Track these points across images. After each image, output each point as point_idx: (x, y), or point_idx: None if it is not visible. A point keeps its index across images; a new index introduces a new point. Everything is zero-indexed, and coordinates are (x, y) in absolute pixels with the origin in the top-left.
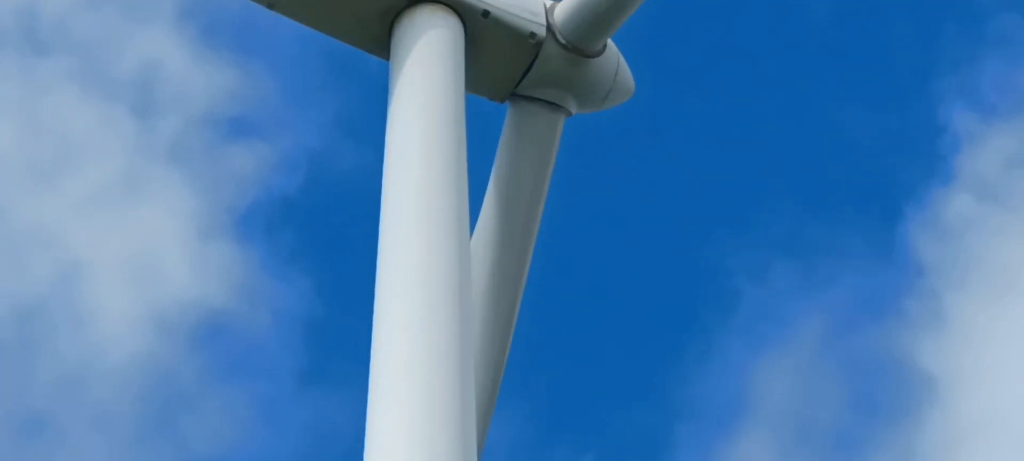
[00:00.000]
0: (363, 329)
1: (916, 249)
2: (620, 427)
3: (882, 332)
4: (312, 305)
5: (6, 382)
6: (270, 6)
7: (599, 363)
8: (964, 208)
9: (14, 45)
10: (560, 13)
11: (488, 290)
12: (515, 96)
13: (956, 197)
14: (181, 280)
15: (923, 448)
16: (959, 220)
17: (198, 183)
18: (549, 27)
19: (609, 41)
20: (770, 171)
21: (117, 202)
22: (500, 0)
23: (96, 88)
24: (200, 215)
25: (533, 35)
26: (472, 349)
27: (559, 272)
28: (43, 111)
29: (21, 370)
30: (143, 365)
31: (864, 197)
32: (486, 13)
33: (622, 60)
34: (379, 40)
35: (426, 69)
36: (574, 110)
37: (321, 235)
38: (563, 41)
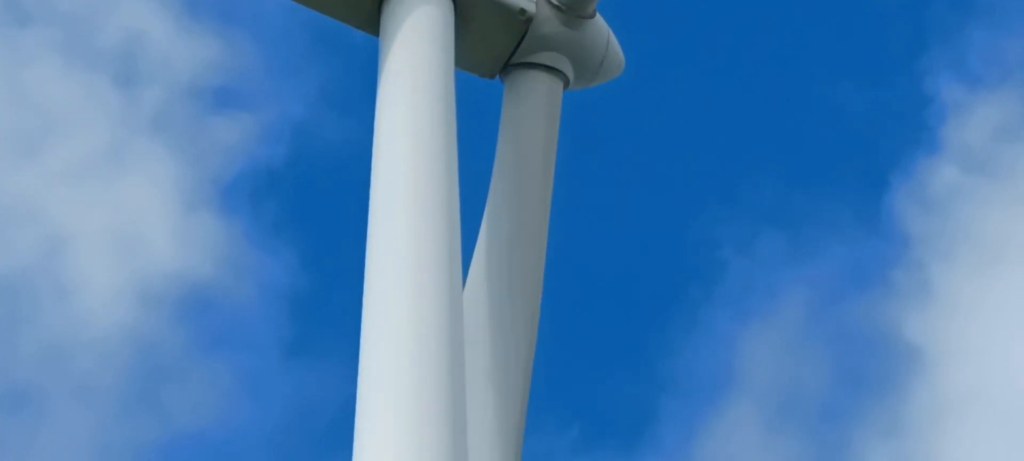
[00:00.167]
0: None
1: (902, 220)
2: (606, 400)
3: (868, 304)
4: (297, 277)
5: None
6: None
7: (584, 336)
8: (951, 179)
9: None
10: None
11: (510, 276)
12: (510, 67)
13: (942, 168)
14: (165, 252)
15: (909, 420)
16: (945, 191)
17: (182, 154)
18: None
19: (598, 14)
20: (756, 142)
21: (100, 174)
22: None
23: (79, 59)
24: (184, 186)
25: (523, 11)
26: (462, 333)
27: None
28: (25, 82)
29: (4, 343)
30: (127, 337)
31: (850, 168)
32: None
33: (612, 35)
34: (368, 17)
35: (416, 46)
36: (571, 76)
37: (306, 207)
38: (556, 2)
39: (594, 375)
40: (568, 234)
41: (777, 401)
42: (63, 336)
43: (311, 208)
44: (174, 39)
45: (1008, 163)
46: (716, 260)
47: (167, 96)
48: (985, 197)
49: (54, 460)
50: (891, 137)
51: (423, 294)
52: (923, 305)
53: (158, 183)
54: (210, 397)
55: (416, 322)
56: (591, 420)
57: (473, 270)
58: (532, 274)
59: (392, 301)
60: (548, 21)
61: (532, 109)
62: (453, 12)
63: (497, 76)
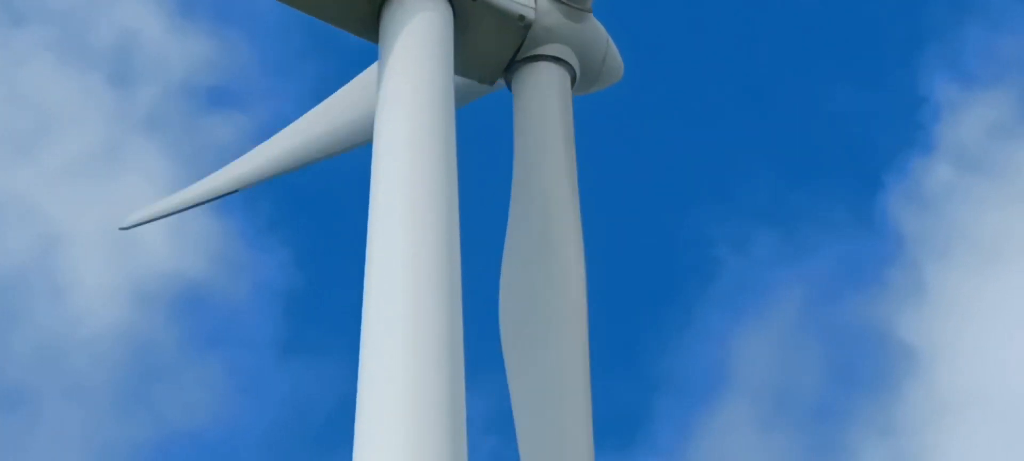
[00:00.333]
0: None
1: (897, 219)
2: (599, 398)
3: (863, 302)
4: (291, 276)
5: None
6: None
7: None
8: (945, 178)
9: None
10: None
11: (549, 272)
12: (515, 65)
13: (937, 166)
14: (159, 251)
15: (904, 419)
16: (940, 190)
17: (176, 153)
18: None
19: (597, 22)
20: (750, 140)
21: (95, 172)
22: None
23: (73, 58)
24: (178, 185)
25: (522, 18)
26: (461, 333)
27: None
28: (20, 81)
29: None
30: (121, 336)
31: (845, 167)
32: None
33: (611, 41)
34: (368, 23)
35: (415, 53)
36: (577, 69)
37: (300, 206)
38: None
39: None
40: None
41: (771, 400)
42: (57, 335)
43: (305, 207)
44: (168, 38)
45: (1003, 162)
46: (710, 259)
47: (161, 95)
48: (980, 196)
49: (49, 459)
50: (886, 136)
51: (423, 297)
52: (917, 304)
53: (152, 181)
54: (204, 395)
55: (416, 325)
56: None
57: (507, 274)
58: (573, 266)
59: (392, 305)
60: (549, 14)
61: (545, 95)
62: (452, 19)
63: (500, 79)
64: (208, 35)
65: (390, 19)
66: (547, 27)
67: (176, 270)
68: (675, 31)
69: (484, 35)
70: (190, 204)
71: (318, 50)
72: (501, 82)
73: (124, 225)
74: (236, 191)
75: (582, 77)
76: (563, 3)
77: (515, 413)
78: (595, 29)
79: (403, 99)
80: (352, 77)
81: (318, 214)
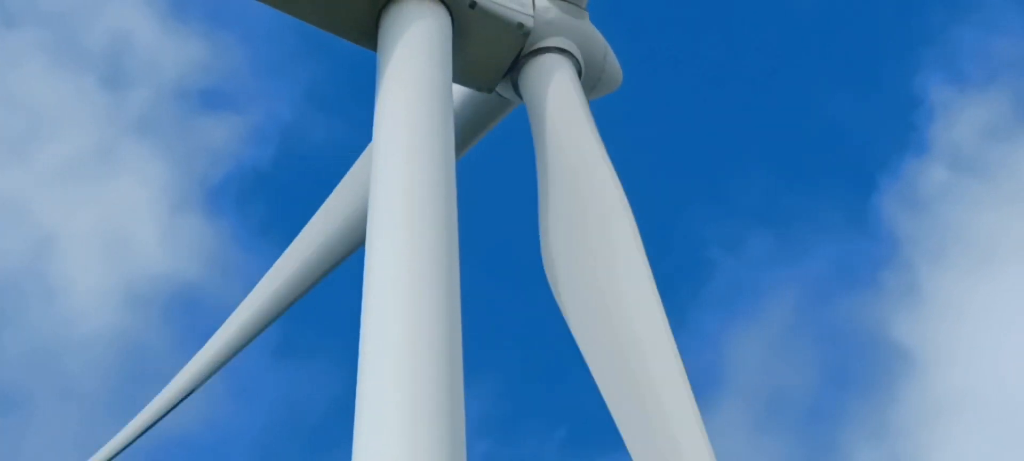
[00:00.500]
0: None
1: (891, 220)
2: (594, 401)
3: (857, 304)
4: None
5: None
6: None
7: (572, 337)
8: (939, 179)
9: None
10: None
11: (603, 255)
12: (521, 62)
13: (931, 168)
14: (152, 253)
15: (897, 421)
16: (934, 191)
17: (169, 155)
18: None
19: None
20: (744, 141)
21: (88, 175)
22: None
23: (66, 60)
24: (171, 187)
25: (521, 26)
26: (460, 338)
27: (533, 244)
28: (12, 84)
29: None
30: (114, 338)
31: (839, 168)
32: (473, 4)
33: (610, 49)
34: (366, 31)
35: (413, 61)
36: (581, 61)
37: (293, 208)
38: None
39: (581, 375)
40: None
41: (765, 401)
42: (50, 337)
43: (298, 209)
44: (161, 40)
45: (996, 163)
46: (704, 259)
47: (154, 97)
48: (974, 197)
49: None
50: (880, 137)
51: (421, 303)
52: (911, 305)
53: (145, 184)
54: (197, 398)
55: (415, 332)
56: (578, 421)
57: (559, 258)
58: (630, 236)
59: (391, 311)
60: (548, 10)
61: (557, 78)
62: (450, 26)
63: (508, 91)
64: (201, 37)
65: (389, 27)
66: (548, 21)
67: (169, 272)
68: (669, 33)
69: (483, 43)
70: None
71: (311, 52)
72: (517, 99)
73: None
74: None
75: (586, 77)
76: (560, 1)
77: (612, 406)
78: (594, 31)
79: (401, 108)
80: (345, 80)
81: (311, 217)
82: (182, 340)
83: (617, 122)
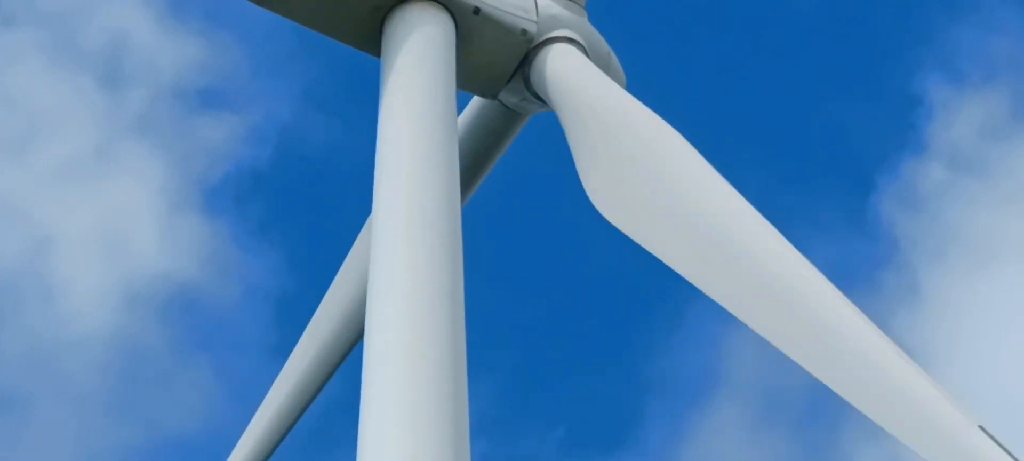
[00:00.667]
0: None
1: (889, 220)
2: (591, 400)
3: (855, 303)
4: (282, 278)
5: None
6: (260, 3)
7: (570, 336)
8: (938, 178)
9: None
10: None
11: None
12: (529, 57)
13: (929, 167)
14: (150, 253)
15: None
16: (932, 190)
17: (167, 156)
18: None
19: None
20: (741, 139)
21: (86, 175)
22: None
23: (64, 60)
24: (169, 188)
25: (525, 32)
26: (463, 344)
27: (529, 244)
28: (10, 83)
29: None
30: (112, 339)
31: (837, 167)
32: (477, 10)
33: (612, 53)
34: (370, 37)
35: (417, 66)
36: (588, 52)
37: (291, 208)
38: None
39: (579, 376)
40: (556, 234)
41: (763, 402)
42: (48, 337)
43: (296, 210)
44: (158, 40)
45: (995, 162)
46: None
47: (152, 97)
48: (973, 197)
49: None
50: (878, 137)
51: (425, 310)
52: (910, 305)
53: (143, 184)
54: (195, 398)
55: (418, 339)
56: (576, 421)
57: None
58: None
59: (396, 318)
60: (551, 7)
61: (573, 58)
62: (454, 31)
63: (505, 91)
64: (199, 37)
65: (392, 33)
66: (553, 16)
67: (167, 273)
68: (667, 32)
69: (486, 49)
70: None
71: (309, 52)
72: (531, 97)
73: None
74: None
75: (593, 54)
76: (562, 1)
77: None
78: (596, 32)
79: (405, 114)
80: (343, 80)
81: (309, 217)
82: (180, 340)
83: None
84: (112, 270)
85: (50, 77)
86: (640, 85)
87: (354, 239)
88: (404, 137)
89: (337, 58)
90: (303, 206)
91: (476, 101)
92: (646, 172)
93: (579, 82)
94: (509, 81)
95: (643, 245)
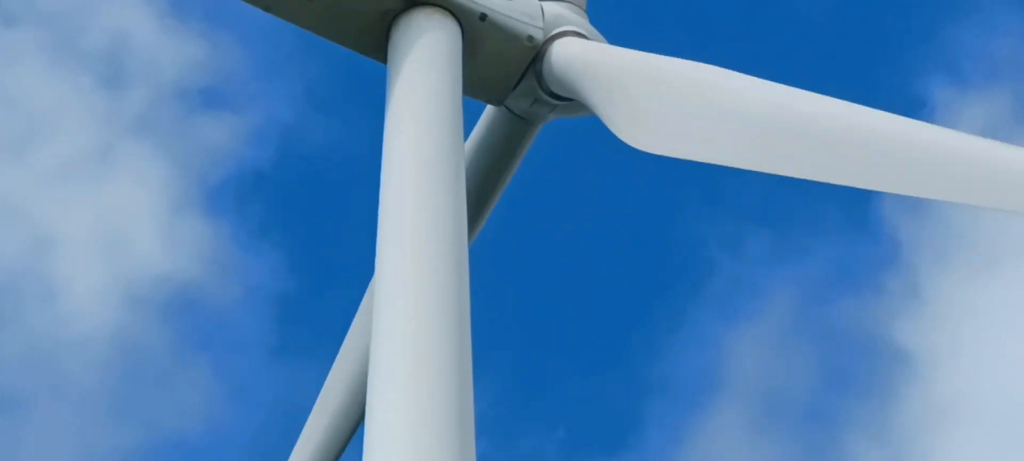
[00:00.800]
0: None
1: (891, 221)
2: (592, 402)
3: (856, 305)
4: (283, 279)
5: None
6: (266, 8)
7: (570, 337)
8: None
9: None
10: None
11: None
12: (537, 59)
13: None
14: (151, 254)
15: (898, 424)
16: None
17: (168, 156)
18: None
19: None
20: None
21: (86, 175)
22: (497, 3)
23: (65, 60)
24: (170, 188)
25: (531, 38)
26: (469, 349)
27: (530, 245)
28: (11, 83)
29: None
30: (112, 339)
31: None
32: (483, 16)
33: None
34: (376, 44)
35: (424, 73)
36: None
37: (292, 209)
38: None
39: (580, 376)
40: (555, 234)
41: (763, 403)
42: (48, 338)
43: (297, 210)
44: (159, 40)
45: None
46: (702, 259)
47: (153, 97)
48: None
49: None
50: None
51: (431, 317)
52: (912, 307)
53: (144, 184)
54: (195, 399)
55: (423, 347)
56: (577, 421)
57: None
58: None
59: (401, 323)
60: (555, 7)
61: (584, 44)
62: (460, 38)
63: (513, 96)
64: (200, 37)
65: (399, 39)
66: (557, 13)
67: (168, 273)
68: (667, 31)
69: (493, 56)
70: None
71: (310, 53)
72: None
73: None
74: None
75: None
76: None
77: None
78: (597, 32)
79: (411, 121)
80: (345, 81)
81: (310, 218)
82: (181, 340)
83: None
84: (112, 270)
85: (51, 77)
86: None
87: (354, 239)
88: (410, 144)
89: (338, 59)
90: (304, 207)
91: (484, 118)
92: (698, 92)
93: (600, 52)
94: (516, 86)
95: (714, 161)
